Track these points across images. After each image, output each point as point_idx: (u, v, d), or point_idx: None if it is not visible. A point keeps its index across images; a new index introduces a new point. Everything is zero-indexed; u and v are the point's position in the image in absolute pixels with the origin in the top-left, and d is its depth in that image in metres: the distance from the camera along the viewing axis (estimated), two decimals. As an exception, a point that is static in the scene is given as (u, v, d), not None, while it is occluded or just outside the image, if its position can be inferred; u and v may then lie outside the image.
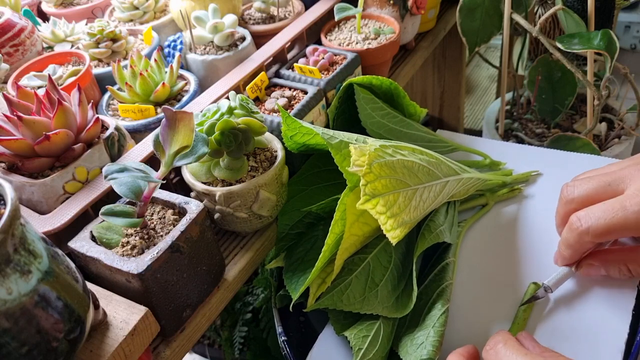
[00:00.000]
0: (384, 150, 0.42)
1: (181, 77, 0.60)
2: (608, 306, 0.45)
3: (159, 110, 0.55)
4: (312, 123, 0.56)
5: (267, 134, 0.51)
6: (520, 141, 0.93)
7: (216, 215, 0.47)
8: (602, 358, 0.42)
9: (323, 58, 0.60)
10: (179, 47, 0.63)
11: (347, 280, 0.46)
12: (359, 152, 0.41)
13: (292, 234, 0.51)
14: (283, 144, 0.50)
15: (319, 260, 0.43)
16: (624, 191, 0.42)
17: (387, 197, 0.41)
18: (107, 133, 0.48)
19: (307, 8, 0.72)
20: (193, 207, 0.42)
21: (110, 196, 0.45)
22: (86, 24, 0.68)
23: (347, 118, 0.58)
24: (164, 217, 0.43)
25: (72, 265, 0.34)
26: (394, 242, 0.40)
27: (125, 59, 0.64)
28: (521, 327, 0.46)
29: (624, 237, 0.44)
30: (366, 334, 0.44)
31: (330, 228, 0.43)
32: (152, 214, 0.44)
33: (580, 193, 0.44)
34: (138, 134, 0.53)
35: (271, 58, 0.62)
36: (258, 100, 0.57)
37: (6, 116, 0.44)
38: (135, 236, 0.41)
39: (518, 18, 0.74)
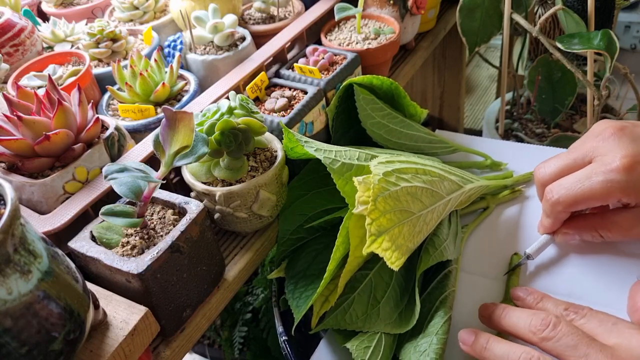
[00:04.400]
0: (387, 179, 0.42)
1: (181, 77, 0.60)
2: (608, 310, 0.45)
3: (159, 110, 0.55)
4: (312, 123, 0.56)
5: (267, 134, 0.51)
6: (520, 141, 0.93)
7: (216, 215, 0.47)
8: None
9: (323, 58, 0.60)
10: (179, 47, 0.63)
11: (349, 298, 0.46)
12: (363, 187, 0.41)
13: (292, 239, 0.51)
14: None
15: (320, 286, 0.44)
16: (591, 161, 0.45)
17: (392, 232, 0.40)
18: (107, 133, 0.48)
19: (307, 8, 0.72)
20: (193, 207, 0.42)
21: (110, 196, 0.45)
22: (86, 24, 0.68)
23: (347, 117, 0.58)
24: (164, 217, 0.43)
25: (72, 265, 0.34)
26: (396, 269, 0.40)
27: (125, 59, 0.64)
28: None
29: (594, 206, 0.47)
30: (368, 344, 0.44)
31: (332, 254, 0.43)
32: (152, 214, 0.44)
33: (551, 172, 0.48)
34: (138, 134, 0.53)
35: (271, 58, 0.62)
36: (258, 100, 0.57)
37: (6, 116, 0.44)
38: (135, 236, 0.41)
39: (518, 18, 0.74)
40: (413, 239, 0.43)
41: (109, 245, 0.41)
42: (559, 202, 0.45)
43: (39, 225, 0.42)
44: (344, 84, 0.56)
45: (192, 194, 0.48)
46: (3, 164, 0.46)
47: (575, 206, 0.45)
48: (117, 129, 0.49)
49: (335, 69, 0.60)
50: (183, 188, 0.50)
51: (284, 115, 0.53)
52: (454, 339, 0.46)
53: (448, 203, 0.48)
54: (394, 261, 0.40)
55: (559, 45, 0.67)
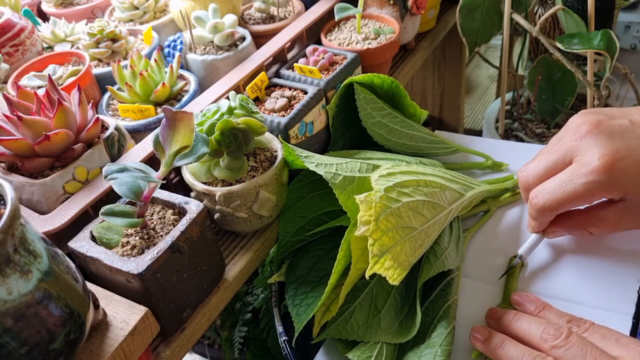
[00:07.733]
0: (389, 196, 0.42)
1: (181, 77, 0.60)
2: (608, 314, 0.45)
3: (159, 110, 0.55)
4: (312, 123, 0.56)
5: (267, 134, 0.51)
6: (520, 141, 0.93)
7: (216, 215, 0.47)
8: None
9: (323, 58, 0.60)
10: (179, 47, 0.63)
11: (350, 307, 0.46)
12: (365, 206, 0.40)
13: (293, 241, 0.51)
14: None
15: (321, 300, 0.44)
16: (571, 162, 0.45)
17: (394, 250, 0.40)
18: (107, 133, 0.48)
19: (307, 8, 0.72)
20: (193, 207, 0.42)
21: (110, 196, 0.45)
22: (86, 24, 0.68)
23: (347, 116, 0.58)
24: (164, 217, 0.43)
25: (72, 265, 0.34)
26: (396, 284, 0.40)
27: (125, 59, 0.64)
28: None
29: (579, 206, 0.47)
30: (369, 354, 0.44)
31: (333, 268, 0.43)
32: (152, 214, 0.44)
33: (534, 176, 0.48)
34: (138, 134, 0.53)
35: (271, 58, 0.62)
36: (258, 100, 0.57)
37: (6, 116, 0.44)
38: (135, 236, 0.41)
39: (518, 18, 0.74)
40: (415, 253, 0.43)
41: (109, 245, 0.41)
42: (545, 207, 0.46)
43: (39, 225, 0.42)
44: (345, 82, 0.56)
45: (192, 194, 0.48)
46: (3, 164, 0.46)
47: (560, 209, 0.46)
48: (117, 129, 0.49)
49: (335, 69, 0.60)
50: (183, 188, 0.50)
51: (284, 115, 0.53)
52: (457, 349, 0.46)
53: (449, 213, 0.48)
54: (395, 278, 0.40)
55: (559, 45, 0.67)
